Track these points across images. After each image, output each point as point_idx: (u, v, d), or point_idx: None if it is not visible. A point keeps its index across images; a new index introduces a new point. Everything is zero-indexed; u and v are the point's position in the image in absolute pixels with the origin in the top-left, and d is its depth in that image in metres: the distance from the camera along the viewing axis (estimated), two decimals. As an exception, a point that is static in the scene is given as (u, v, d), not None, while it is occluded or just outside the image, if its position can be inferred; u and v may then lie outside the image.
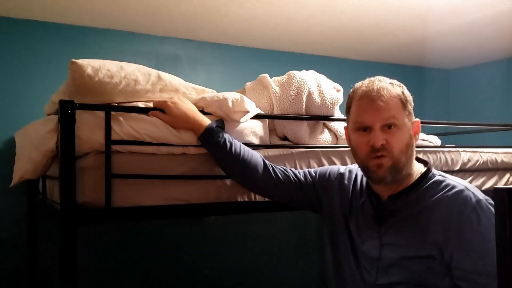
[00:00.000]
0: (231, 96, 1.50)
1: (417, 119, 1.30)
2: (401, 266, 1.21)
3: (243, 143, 1.52)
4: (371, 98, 1.22)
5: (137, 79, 1.42)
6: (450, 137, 2.91)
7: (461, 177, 1.98)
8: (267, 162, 1.47)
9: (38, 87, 2.26)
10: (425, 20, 2.45)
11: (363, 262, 1.31)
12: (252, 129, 1.59)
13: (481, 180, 2.05)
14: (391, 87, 1.24)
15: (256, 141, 1.60)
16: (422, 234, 1.19)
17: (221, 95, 1.50)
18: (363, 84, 1.27)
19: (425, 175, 1.27)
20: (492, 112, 3.30)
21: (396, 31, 2.62)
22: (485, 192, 2.01)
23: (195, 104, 1.50)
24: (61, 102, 1.26)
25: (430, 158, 1.91)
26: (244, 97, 1.53)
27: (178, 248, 2.54)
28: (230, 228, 2.68)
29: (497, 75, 3.32)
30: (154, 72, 1.48)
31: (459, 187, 1.20)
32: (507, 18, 2.41)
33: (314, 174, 1.49)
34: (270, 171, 1.45)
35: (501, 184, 2.09)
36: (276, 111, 1.69)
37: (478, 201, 1.16)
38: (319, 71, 1.84)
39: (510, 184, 2.14)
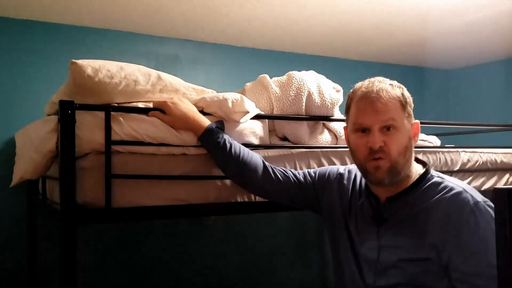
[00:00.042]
0: (231, 96, 1.50)
1: (417, 121, 1.29)
2: (399, 268, 1.21)
3: (243, 144, 1.52)
4: (370, 100, 1.22)
5: (137, 79, 1.42)
6: (450, 137, 2.91)
7: (460, 177, 1.99)
8: (266, 163, 1.47)
9: (38, 87, 2.27)
10: (425, 20, 2.45)
11: (362, 263, 1.31)
12: (252, 129, 1.60)
13: (481, 180, 2.05)
14: (390, 88, 1.23)
15: (256, 141, 1.61)
16: (420, 236, 1.19)
17: (221, 95, 1.51)
18: (362, 85, 1.27)
19: (424, 177, 1.26)
20: (492, 112, 3.30)
21: (396, 31, 2.62)
22: (485, 192, 2.02)
23: (195, 104, 1.50)
24: (61, 102, 1.26)
25: (430, 159, 1.91)
26: (244, 97, 1.53)
27: (178, 248, 2.54)
28: (230, 229, 2.68)
29: (497, 75, 3.32)
30: (154, 72, 1.48)
31: (457, 189, 1.20)
32: (507, 18, 2.41)
33: (313, 174, 1.49)
34: (269, 172, 1.45)
35: (500, 185, 2.10)
36: (276, 112, 1.70)
37: (476, 203, 1.16)
38: (319, 72, 1.85)
39: (509, 184, 2.14)
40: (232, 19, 2.34)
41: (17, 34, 2.25)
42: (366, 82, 1.27)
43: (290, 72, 1.75)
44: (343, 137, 1.77)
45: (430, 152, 1.92)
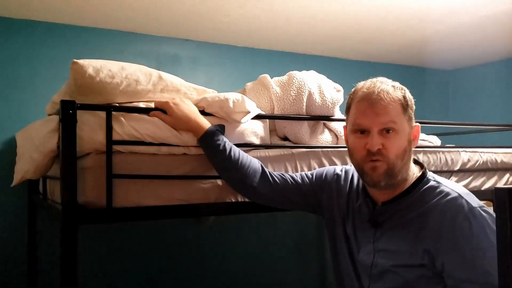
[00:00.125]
0: (232, 96, 1.50)
1: (417, 124, 1.28)
2: (394, 273, 1.20)
3: (244, 143, 1.53)
4: (371, 101, 1.20)
5: (138, 79, 1.42)
6: (450, 137, 2.91)
7: (461, 177, 1.99)
8: (265, 168, 1.46)
9: (38, 87, 2.27)
10: (425, 20, 2.45)
11: (358, 267, 1.31)
12: (253, 129, 1.60)
13: (481, 180, 2.05)
14: (392, 90, 1.21)
15: (257, 141, 1.61)
16: (414, 242, 1.18)
17: (222, 95, 1.51)
18: (364, 85, 1.25)
19: (420, 180, 1.25)
20: (492, 112, 3.30)
21: (396, 31, 2.63)
22: (485, 192, 2.03)
23: (196, 104, 1.50)
24: (63, 102, 1.27)
25: (430, 158, 1.91)
26: (245, 97, 1.53)
27: (177, 248, 2.54)
28: (230, 229, 2.68)
29: (497, 75, 3.32)
30: (155, 72, 1.48)
31: (453, 194, 1.18)
32: (507, 19, 2.42)
33: (311, 176, 1.48)
34: (268, 176, 1.44)
35: (500, 184, 2.10)
36: (276, 112, 1.70)
37: (472, 209, 1.14)
38: (319, 72, 1.85)
39: (510, 184, 2.14)
40: (232, 19, 2.34)
41: (17, 34, 2.25)
42: (368, 82, 1.26)
43: (291, 72, 1.76)
44: (344, 137, 1.77)
45: (430, 152, 1.93)
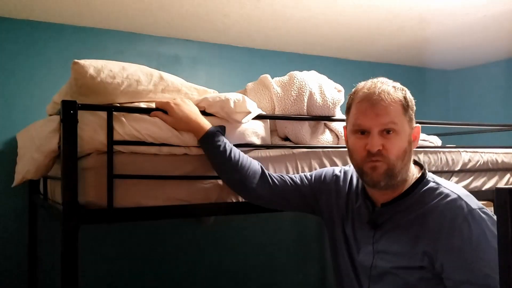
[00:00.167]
0: (233, 96, 1.50)
1: (418, 125, 1.27)
2: (393, 275, 1.20)
3: (244, 144, 1.52)
4: (371, 102, 1.20)
5: (139, 79, 1.42)
6: (451, 138, 2.91)
7: (461, 177, 1.99)
8: (265, 170, 1.46)
9: (39, 87, 2.27)
10: (425, 21, 2.45)
11: (358, 268, 1.30)
12: (254, 129, 1.60)
13: (482, 180, 2.05)
14: (393, 91, 1.21)
15: (257, 141, 1.61)
16: (413, 244, 1.17)
17: (223, 95, 1.51)
18: (365, 86, 1.24)
19: (419, 181, 1.24)
20: (492, 113, 3.30)
21: (396, 32, 2.63)
22: (486, 192, 2.03)
23: (197, 104, 1.50)
24: (63, 102, 1.27)
25: (431, 159, 1.91)
26: (246, 97, 1.53)
27: (178, 249, 2.54)
28: (230, 229, 2.68)
29: (497, 75, 3.33)
30: (156, 72, 1.48)
31: (453, 196, 1.18)
32: (507, 19, 2.42)
33: (310, 177, 1.48)
34: (267, 178, 1.44)
35: (501, 184, 2.10)
36: (277, 112, 1.70)
37: (471, 210, 1.14)
38: (320, 72, 1.85)
39: (510, 184, 2.14)
40: (232, 19, 2.34)
41: (18, 34, 2.25)
42: (369, 82, 1.25)
43: (292, 72, 1.76)
44: (344, 137, 1.77)
45: (431, 152, 1.93)
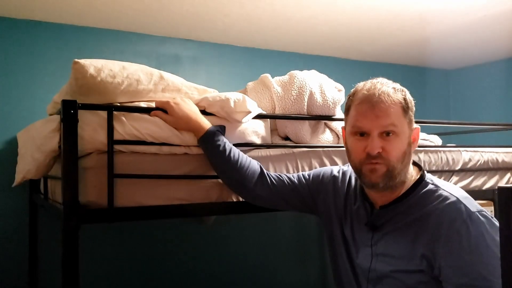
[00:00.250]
0: (233, 96, 1.50)
1: (417, 126, 1.26)
2: (392, 278, 1.19)
3: (245, 143, 1.52)
4: (371, 104, 1.18)
5: (140, 79, 1.42)
6: (451, 137, 2.92)
7: (462, 177, 1.99)
8: (264, 170, 1.46)
9: (39, 87, 2.26)
10: (425, 20, 2.45)
11: (357, 270, 1.30)
12: (254, 129, 1.60)
13: (482, 179, 2.06)
14: (393, 92, 1.19)
15: (258, 141, 1.61)
16: (412, 247, 1.17)
17: (223, 95, 1.51)
18: (364, 87, 1.23)
19: (418, 183, 1.23)
20: (493, 112, 3.31)
21: (396, 31, 2.63)
22: (486, 192, 2.03)
23: (197, 104, 1.50)
24: (64, 102, 1.27)
25: (432, 158, 1.91)
26: (246, 97, 1.53)
27: (178, 248, 2.54)
28: (231, 229, 2.68)
29: (497, 75, 3.33)
30: (156, 72, 1.48)
31: (452, 199, 1.16)
32: (507, 19, 2.42)
33: (308, 176, 1.47)
34: (266, 178, 1.44)
35: (502, 184, 2.10)
36: (277, 111, 1.70)
37: (470, 213, 1.13)
38: (320, 71, 1.85)
39: (511, 184, 2.14)
40: (232, 19, 2.34)
41: (18, 34, 2.25)
42: (368, 83, 1.23)
43: (292, 71, 1.76)
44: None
45: (431, 152, 1.93)
